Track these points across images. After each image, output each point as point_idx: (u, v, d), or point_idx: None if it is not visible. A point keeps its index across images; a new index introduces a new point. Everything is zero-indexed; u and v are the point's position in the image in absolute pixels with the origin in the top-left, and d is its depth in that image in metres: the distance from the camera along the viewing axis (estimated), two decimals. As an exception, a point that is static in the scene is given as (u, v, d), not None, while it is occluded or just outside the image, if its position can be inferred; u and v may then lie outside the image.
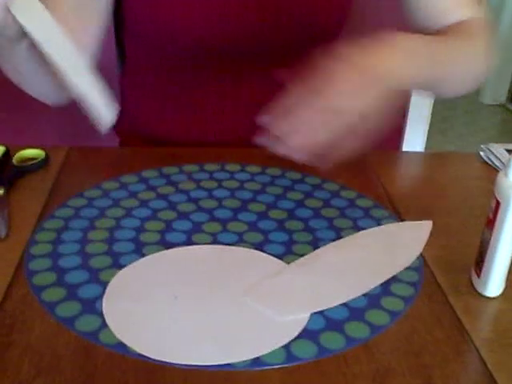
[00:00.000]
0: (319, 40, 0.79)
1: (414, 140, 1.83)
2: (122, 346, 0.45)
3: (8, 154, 0.72)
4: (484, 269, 0.52)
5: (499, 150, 0.80)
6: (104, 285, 0.52)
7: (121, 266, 0.54)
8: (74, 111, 0.65)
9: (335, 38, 0.83)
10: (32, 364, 0.43)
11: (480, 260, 0.53)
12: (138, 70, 0.89)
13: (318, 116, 0.53)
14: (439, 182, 0.75)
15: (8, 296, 0.50)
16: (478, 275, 0.53)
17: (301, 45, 0.79)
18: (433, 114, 1.89)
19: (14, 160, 0.71)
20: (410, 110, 1.75)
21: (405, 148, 1.79)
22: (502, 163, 0.77)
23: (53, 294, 0.50)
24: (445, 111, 3.21)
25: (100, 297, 0.50)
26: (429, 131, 1.95)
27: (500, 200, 0.50)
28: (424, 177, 0.76)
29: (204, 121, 0.84)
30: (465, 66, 0.68)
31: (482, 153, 0.81)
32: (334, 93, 0.53)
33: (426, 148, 1.89)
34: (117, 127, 0.95)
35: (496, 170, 0.77)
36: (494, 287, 0.53)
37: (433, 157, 0.84)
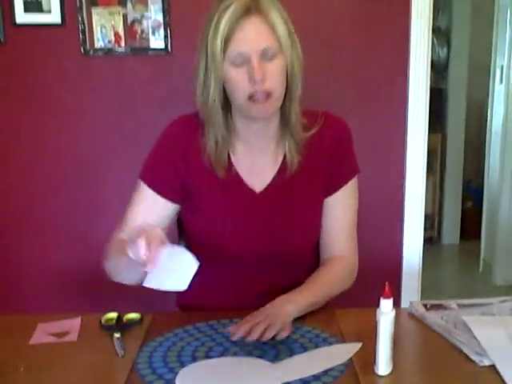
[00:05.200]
0: (296, 254, 1.36)
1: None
2: (186, 394, 0.93)
3: (120, 317, 1.24)
4: (376, 357, 0.99)
5: (418, 304, 1.27)
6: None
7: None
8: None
9: (306, 252, 1.39)
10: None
11: (375, 354, 0.99)
12: None
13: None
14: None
15: (126, 389, 0.99)
16: (374, 362, 0.99)
17: (287, 257, 1.35)
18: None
19: (124, 319, 1.23)
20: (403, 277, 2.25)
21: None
22: (419, 314, 1.23)
23: (154, 385, 0.99)
24: (459, 295, 3.56)
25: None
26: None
27: (378, 321, 0.99)
28: (370, 324, 1.23)
29: (231, 301, 1.38)
30: (334, 292, 1.34)
31: (409, 307, 1.28)
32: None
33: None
34: (178, 303, 1.49)
35: (416, 318, 1.24)
36: (381, 369, 0.98)
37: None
